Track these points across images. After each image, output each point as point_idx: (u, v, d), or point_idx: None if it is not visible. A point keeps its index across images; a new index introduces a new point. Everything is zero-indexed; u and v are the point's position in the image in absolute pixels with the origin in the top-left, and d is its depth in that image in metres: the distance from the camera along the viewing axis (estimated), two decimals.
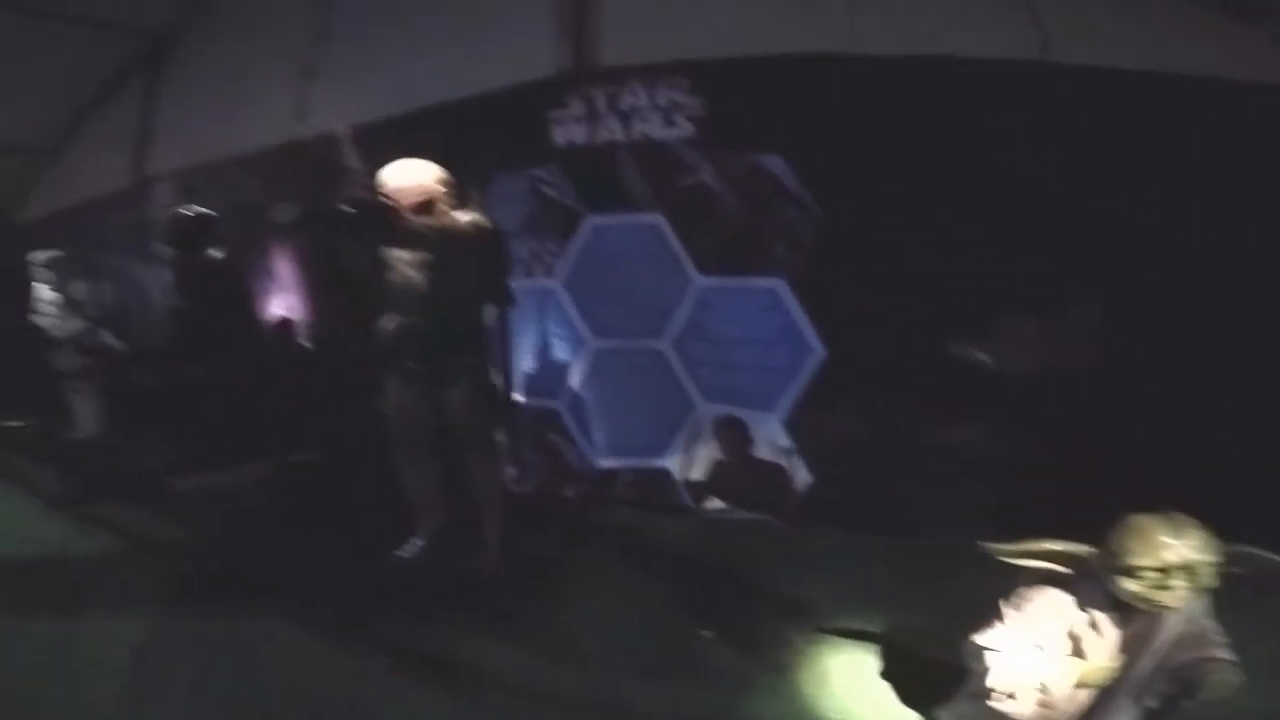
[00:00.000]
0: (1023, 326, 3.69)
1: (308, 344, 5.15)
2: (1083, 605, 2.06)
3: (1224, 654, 1.95)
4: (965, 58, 3.63)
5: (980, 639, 2.20)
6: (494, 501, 3.55)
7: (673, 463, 4.20)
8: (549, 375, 4.44)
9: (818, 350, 3.86)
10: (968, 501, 3.63)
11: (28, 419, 5.72)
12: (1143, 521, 1.98)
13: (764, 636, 3.04)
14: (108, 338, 4.88)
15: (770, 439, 3.98)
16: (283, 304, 5.21)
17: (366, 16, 4.94)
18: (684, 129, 3.95)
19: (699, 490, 4.17)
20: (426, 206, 3.21)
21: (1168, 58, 3.32)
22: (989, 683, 2.14)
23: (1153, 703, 2.02)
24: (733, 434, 4.06)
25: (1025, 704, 2.09)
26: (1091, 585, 2.05)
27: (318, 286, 5.05)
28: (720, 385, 4.06)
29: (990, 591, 2.55)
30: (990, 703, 2.14)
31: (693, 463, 4.18)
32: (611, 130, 4.10)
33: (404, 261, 3.28)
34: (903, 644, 2.88)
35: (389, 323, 3.36)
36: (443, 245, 3.23)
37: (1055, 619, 2.09)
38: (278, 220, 5.08)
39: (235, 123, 5.22)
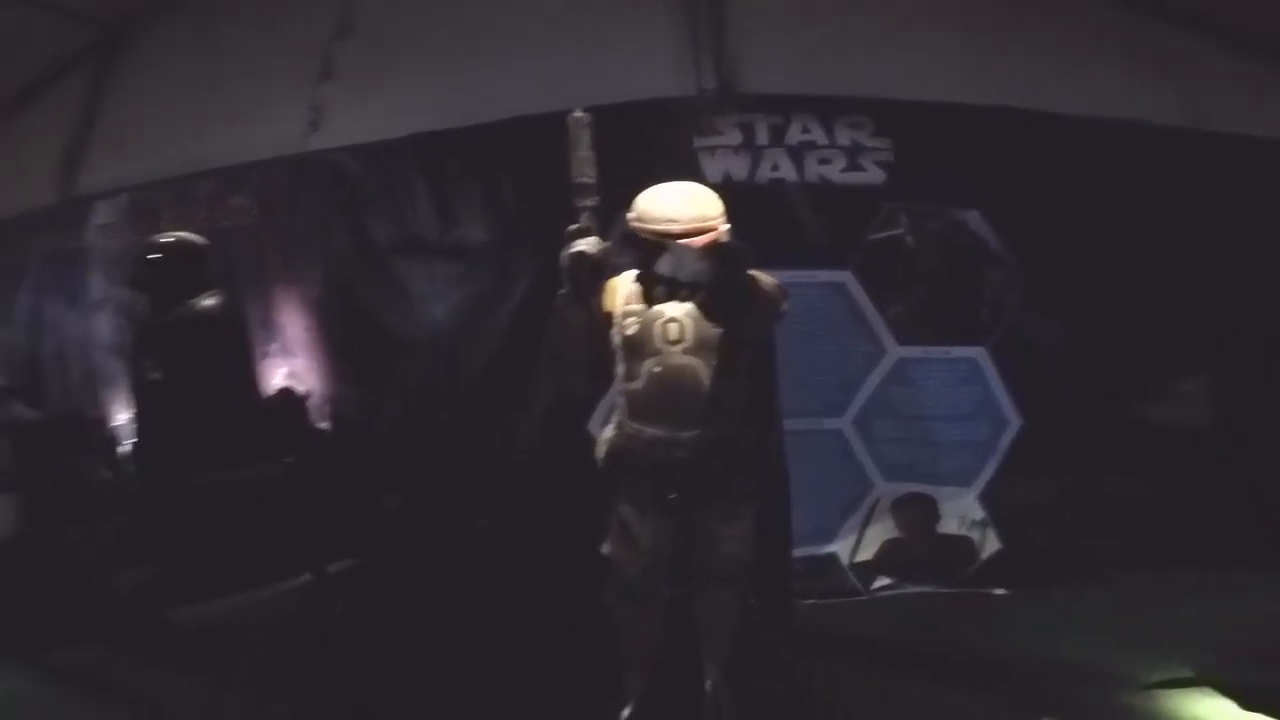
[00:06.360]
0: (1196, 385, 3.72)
1: (326, 425, 3.97)
2: None
3: None
4: (1135, 121, 3.61)
5: None
6: (727, 645, 2.69)
7: (841, 547, 3.73)
8: None
9: (1015, 422, 3.61)
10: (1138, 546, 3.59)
11: None
12: None
13: (1095, 707, 2.69)
14: (20, 409, 3.47)
15: (962, 514, 3.66)
16: (287, 372, 3.98)
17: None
18: (874, 174, 3.50)
19: (864, 571, 3.73)
20: (713, 255, 2.26)
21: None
22: None
23: None
24: (917, 512, 3.68)
25: None
26: None
27: (345, 349, 3.89)
28: (905, 463, 3.65)
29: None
30: None
31: (861, 544, 3.74)
32: (778, 168, 3.53)
33: (669, 340, 2.36)
34: (1224, 678, 2.72)
35: (635, 433, 2.42)
36: (736, 314, 2.31)
37: None
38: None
39: (207, 130, 3.87)
